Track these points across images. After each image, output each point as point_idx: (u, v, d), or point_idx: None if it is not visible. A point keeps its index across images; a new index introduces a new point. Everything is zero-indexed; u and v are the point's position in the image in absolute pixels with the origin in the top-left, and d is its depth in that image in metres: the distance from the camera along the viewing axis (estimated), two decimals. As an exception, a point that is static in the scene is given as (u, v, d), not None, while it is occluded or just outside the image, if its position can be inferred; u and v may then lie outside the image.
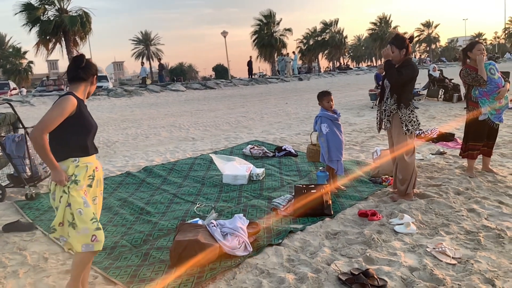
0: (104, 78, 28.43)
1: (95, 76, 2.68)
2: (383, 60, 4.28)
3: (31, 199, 4.63)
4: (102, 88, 22.35)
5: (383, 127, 4.37)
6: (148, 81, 30.90)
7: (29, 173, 4.86)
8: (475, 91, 4.74)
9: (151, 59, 57.34)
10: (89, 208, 2.50)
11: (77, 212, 2.44)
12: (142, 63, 29.63)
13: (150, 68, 49.07)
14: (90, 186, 2.56)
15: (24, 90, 28.88)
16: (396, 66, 4.05)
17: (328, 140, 4.55)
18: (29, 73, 43.32)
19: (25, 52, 42.33)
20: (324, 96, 4.56)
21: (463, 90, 12.50)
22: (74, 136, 2.49)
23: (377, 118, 4.43)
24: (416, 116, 4.13)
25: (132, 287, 2.79)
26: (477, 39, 76.16)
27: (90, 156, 2.59)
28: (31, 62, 43.18)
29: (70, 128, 2.46)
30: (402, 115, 4.07)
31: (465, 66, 4.83)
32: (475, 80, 4.66)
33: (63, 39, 24.83)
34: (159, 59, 31.42)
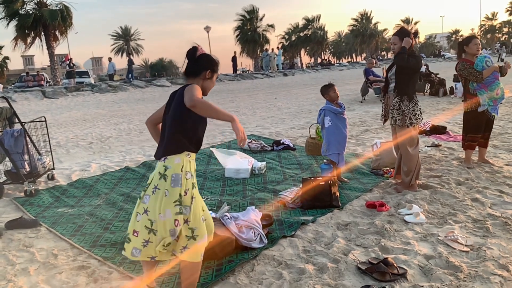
0: (85, 73, 27.95)
1: (210, 71, 2.38)
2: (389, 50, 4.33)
3: (31, 195, 4.50)
4: (85, 83, 21.99)
5: (388, 120, 4.42)
6: (116, 77, 28.93)
7: (28, 169, 4.72)
8: (473, 83, 4.84)
9: (131, 55, 56.38)
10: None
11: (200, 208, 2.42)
12: (110, 59, 26.91)
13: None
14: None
15: (0, 86, 27.95)
16: None
17: (330, 133, 4.59)
18: (5, 68, 41.83)
19: (0, 47, 40.84)
20: (329, 88, 4.59)
21: (448, 85, 12.92)
22: (194, 129, 2.34)
23: (382, 111, 4.49)
24: (419, 109, 4.20)
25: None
26: (454, 36, 77.40)
27: (196, 153, 2.43)
28: (7, 57, 41.71)
29: (191, 120, 2.30)
30: (405, 108, 4.13)
31: (461, 60, 4.92)
32: (471, 74, 4.76)
33: (42, 33, 24.12)
34: (128, 55, 29.78)
